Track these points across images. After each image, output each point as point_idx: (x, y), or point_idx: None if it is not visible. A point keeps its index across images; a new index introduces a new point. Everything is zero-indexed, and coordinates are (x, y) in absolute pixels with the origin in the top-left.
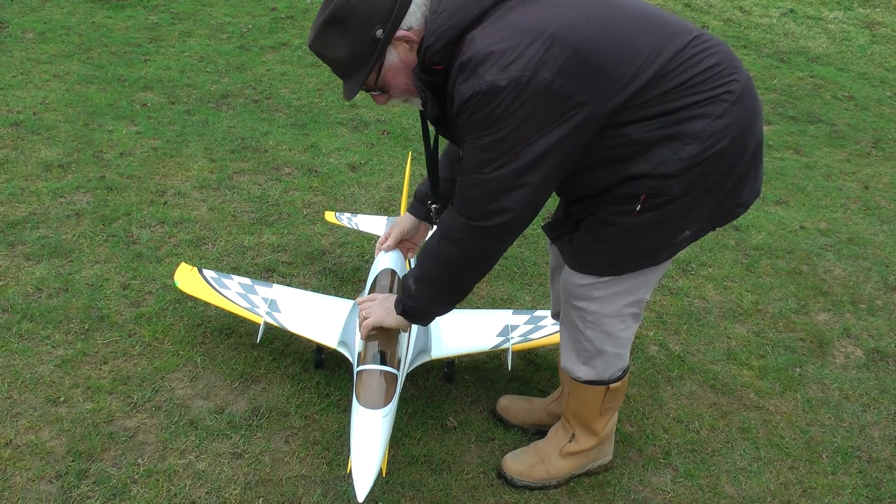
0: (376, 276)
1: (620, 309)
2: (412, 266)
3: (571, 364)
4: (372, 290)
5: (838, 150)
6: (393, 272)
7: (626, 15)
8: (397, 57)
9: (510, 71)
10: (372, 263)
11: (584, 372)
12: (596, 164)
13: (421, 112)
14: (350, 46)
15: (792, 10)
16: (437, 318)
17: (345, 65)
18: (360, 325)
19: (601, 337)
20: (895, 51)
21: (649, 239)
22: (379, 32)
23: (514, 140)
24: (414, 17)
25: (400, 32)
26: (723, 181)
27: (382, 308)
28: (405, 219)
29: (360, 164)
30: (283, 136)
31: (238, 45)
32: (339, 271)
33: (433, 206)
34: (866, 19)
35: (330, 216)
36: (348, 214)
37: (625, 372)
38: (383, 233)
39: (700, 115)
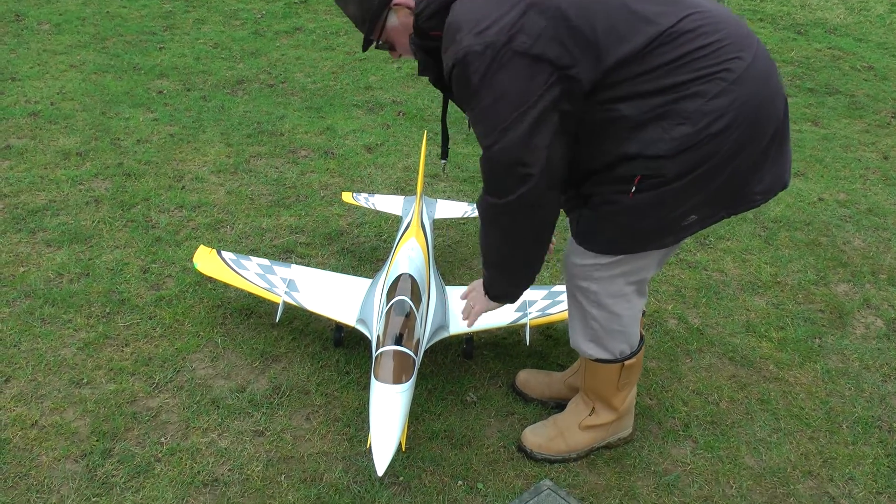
0: (396, 279)
1: (622, 288)
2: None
3: (582, 343)
4: (391, 292)
5: (857, 120)
6: (412, 277)
7: None
8: (398, 20)
9: (485, 36)
10: (392, 244)
11: (594, 350)
12: (591, 140)
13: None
14: (357, 6)
15: None
16: (454, 294)
17: (356, 21)
18: (469, 315)
19: (607, 316)
20: None
21: (648, 220)
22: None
23: (504, 108)
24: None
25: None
26: (724, 166)
27: (482, 298)
28: None
29: (376, 145)
30: (299, 120)
31: (252, 31)
32: (357, 251)
33: (443, 161)
34: None
35: (347, 197)
36: (365, 195)
37: (638, 347)
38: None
39: (694, 94)
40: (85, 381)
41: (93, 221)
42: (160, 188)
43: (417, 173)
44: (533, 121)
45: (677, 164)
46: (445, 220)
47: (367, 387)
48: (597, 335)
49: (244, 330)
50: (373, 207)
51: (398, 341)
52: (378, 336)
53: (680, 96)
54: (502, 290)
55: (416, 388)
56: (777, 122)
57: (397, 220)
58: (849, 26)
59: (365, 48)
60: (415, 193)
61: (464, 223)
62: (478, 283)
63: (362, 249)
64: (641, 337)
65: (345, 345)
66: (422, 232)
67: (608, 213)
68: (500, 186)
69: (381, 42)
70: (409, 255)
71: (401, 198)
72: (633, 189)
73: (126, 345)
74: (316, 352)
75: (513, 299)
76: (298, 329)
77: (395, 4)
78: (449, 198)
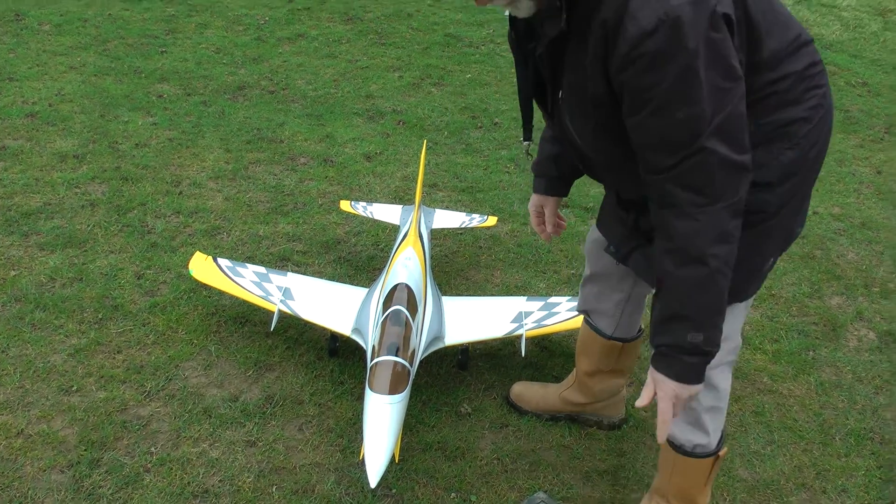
0: (393, 288)
1: (722, 357)
2: None
3: (678, 430)
4: (388, 302)
5: (851, 135)
6: (408, 287)
7: None
8: None
9: None
10: (389, 254)
11: (693, 435)
12: None
13: (512, 27)
14: None
15: None
16: (450, 306)
17: None
18: (661, 428)
19: (706, 392)
20: None
21: (742, 266)
22: None
23: (719, 69)
24: None
25: None
26: (807, 197)
27: (671, 393)
28: (542, 199)
29: (376, 153)
30: (299, 127)
31: (255, 37)
32: (354, 260)
33: (526, 143)
34: (879, 6)
35: (345, 205)
36: (363, 203)
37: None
38: (533, 217)
39: (805, 118)
40: (74, 388)
41: (88, 225)
42: (157, 193)
43: (416, 182)
44: (740, 96)
45: (780, 194)
46: (443, 230)
47: (361, 397)
48: (696, 417)
49: (238, 338)
50: (371, 216)
51: (394, 352)
52: (373, 346)
53: (794, 118)
54: (716, 337)
55: (410, 399)
56: None
57: (395, 229)
58: (844, 43)
59: None
60: (413, 203)
61: (461, 233)
62: (662, 383)
63: (359, 258)
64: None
65: (339, 355)
66: (419, 241)
67: None
68: (728, 186)
69: None
70: (406, 265)
71: (399, 207)
72: None
73: (118, 352)
74: (310, 361)
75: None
76: (293, 338)
77: None
78: (447, 207)
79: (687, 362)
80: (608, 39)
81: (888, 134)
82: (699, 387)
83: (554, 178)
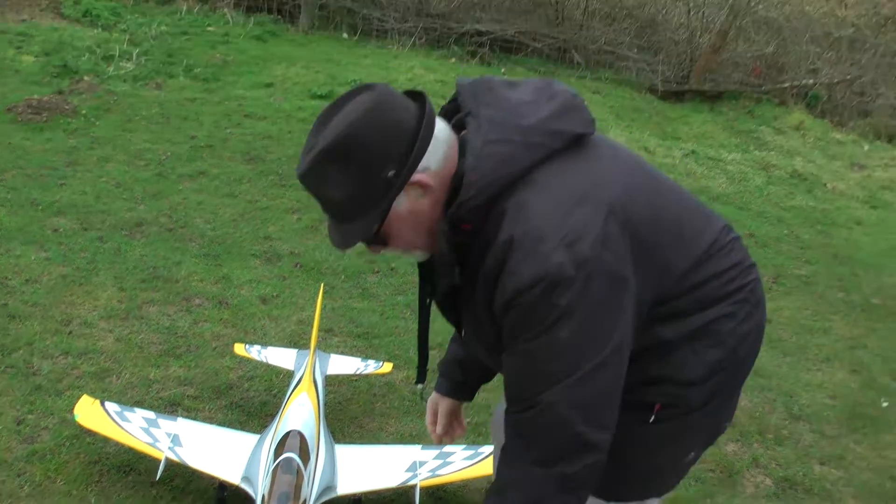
0: (285, 436)
1: None
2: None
3: None
4: (279, 449)
5: None
6: (301, 435)
7: (667, 188)
8: (406, 205)
9: (577, 250)
10: (282, 399)
11: None
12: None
13: (422, 273)
14: (352, 187)
15: (693, 151)
16: (344, 454)
17: (343, 208)
18: None
19: None
20: (789, 191)
21: (661, 457)
22: (391, 174)
23: (590, 335)
24: (434, 158)
25: (416, 176)
26: (734, 394)
27: None
28: (440, 399)
29: (272, 296)
30: (196, 267)
31: (156, 172)
32: (246, 406)
33: (420, 386)
34: (762, 161)
35: (239, 349)
36: (258, 347)
37: None
38: (428, 415)
39: (729, 315)
40: None
41: None
42: (46, 332)
43: (312, 327)
44: (616, 360)
45: (704, 390)
46: (338, 376)
47: None
48: None
49: (121, 488)
50: (265, 360)
51: (284, 502)
52: (263, 495)
53: (718, 316)
54: None
55: None
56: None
57: (289, 374)
58: (730, 195)
59: (351, 244)
60: (308, 347)
61: (356, 380)
62: None
63: (251, 404)
64: None
65: None
66: (314, 387)
67: (614, 444)
68: (554, 452)
69: (377, 235)
70: (300, 411)
71: (294, 351)
72: (652, 418)
73: None
74: None
75: None
76: (179, 487)
77: (410, 184)
78: (343, 353)
79: None
80: (492, 289)
81: (776, 284)
82: None
83: (458, 382)
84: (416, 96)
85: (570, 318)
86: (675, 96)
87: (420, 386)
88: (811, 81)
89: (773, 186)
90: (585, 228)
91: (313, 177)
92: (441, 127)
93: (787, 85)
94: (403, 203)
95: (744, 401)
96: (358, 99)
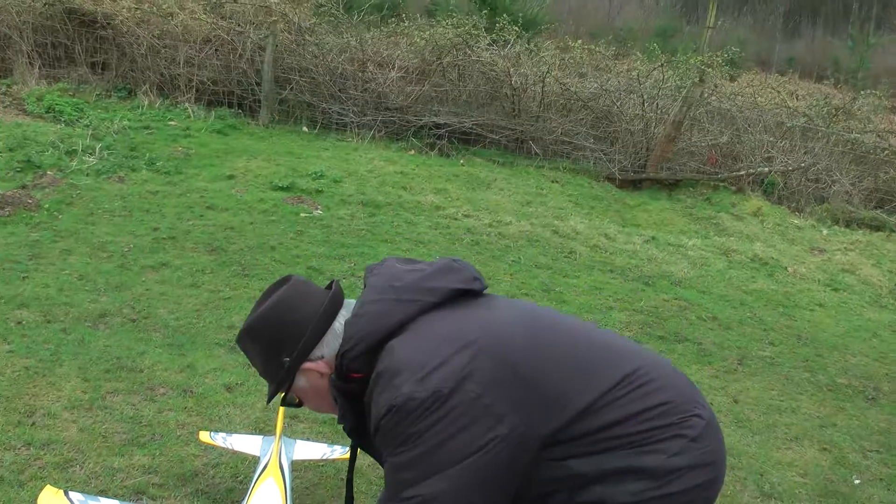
0: None
1: None
2: None
3: None
4: None
5: (706, 367)
6: None
7: (568, 330)
8: (307, 382)
9: (429, 382)
10: (248, 486)
11: None
12: (537, 496)
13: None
14: (262, 361)
15: (654, 238)
16: None
17: (260, 372)
18: None
19: None
20: (750, 275)
21: None
22: (286, 360)
23: (433, 461)
24: (329, 347)
25: (308, 364)
26: None
27: None
28: None
29: (237, 384)
30: (160, 357)
31: (118, 264)
32: (212, 493)
33: None
34: (722, 247)
35: (204, 436)
36: (223, 434)
37: None
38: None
39: (655, 450)
40: None
41: None
42: (8, 424)
43: (277, 413)
44: (470, 479)
45: None
46: (304, 461)
47: None
48: None
49: None
50: (231, 447)
51: None
52: None
53: (640, 451)
54: None
55: None
56: (719, 490)
57: (255, 460)
58: (692, 279)
59: (269, 401)
60: (273, 434)
61: (322, 465)
62: None
63: (217, 491)
64: None
65: None
66: (280, 472)
67: None
68: None
69: (289, 397)
70: (267, 497)
71: (259, 437)
72: None
73: None
74: None
75: None
76: None
77: (306, 369)
78: (308, 438)
79: None
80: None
81: (741, 365)
82: None
83: None
84: (331, 286)
85: (424, 437)
86: (632, 184)
87: None
88: (766, 169)
89: (734, 271)
90: (443, 363)
91: (241, 346)
92: (345, 313)
93: (742, 173)
94: (302, 381)
95: None
96: (275, 293)
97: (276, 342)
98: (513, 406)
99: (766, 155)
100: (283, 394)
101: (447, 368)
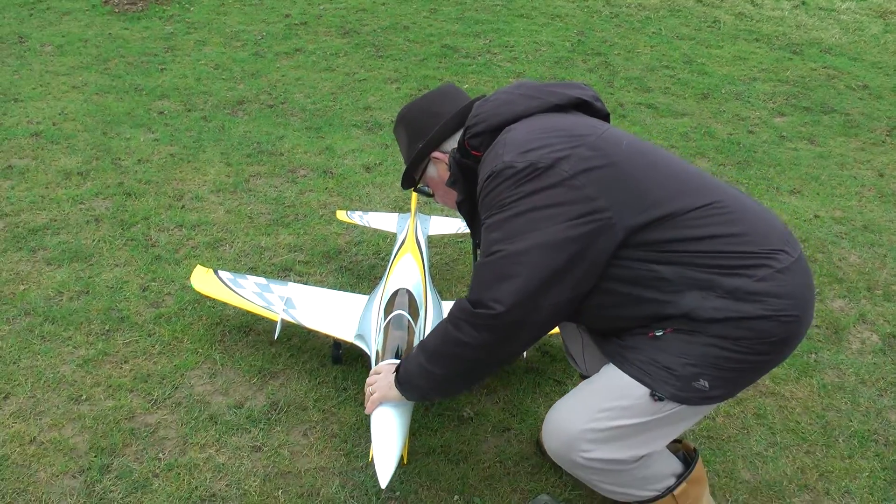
0: (393, 294)
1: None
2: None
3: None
4: (389, 307)
5: (852, 139)
6: (409, 293)
7: (665, 155)
8: (436, 172)
9: (529, 155)
10: (388, 261)
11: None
12: (622, 301)
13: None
14: (405, 145)
15: (804, 2)
16: None
17: (404, 157)
18: (367, 400)
19: (607, 472)
20: None
21: (666, 356)
22: (420, 146)
23: (520, 224)
24: (457, 142)
25: (438, 154)
26: (757, 354)
27: (385, 382)
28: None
29: (375, 164)
30: (299, 140)
31: (253, 52)
32: (356, 269)
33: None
34: (879, 9)
35: (341, 215)
36: (360, 212)
37: (679, 477)
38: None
39: (739, 273)
40: (84, 397)
41: (93, 240)
42: (160, 207)
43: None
44: (554, 249)
45: (717, 327)
46: (440, 236)
47: (364, 403)
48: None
49: (242, 347)
50: (367, 225)
51: (398, 355)
52: (377, 351)
53: (725, 271)
54: (415, 377)
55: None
56: (802, 335)
57: (394, 238)
58: (843, 46)
59: (405, 186)
60: (409, 212)
61: (460, 241)
62: (387, 367)
63: (360, 267)
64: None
65: (343, 362)
66: (417, 248)
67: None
68: (477, 296)
69: (420, 185)
70: (406, 271)
71: (395, 215)
72: (661, 333)
73: (125, 362)
74: (314, 368)
75: (413, 396)
76: (296, 346)
77: (435, 158)
78: (444, 214)
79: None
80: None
81: (889, 136)
82: (396, 393)
83: None
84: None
85: (517, 203)
86: None
87: None
88: None
89: (890, 35)
90: (546, 145)
91: (395, 133)
92: None
93: None
94: (433, 171)
95: (852, 256)
96: (430, 92)
97: (417, 129)
98: (604, 191)
99: None
100: (418, 184)
101: (548, 149)
